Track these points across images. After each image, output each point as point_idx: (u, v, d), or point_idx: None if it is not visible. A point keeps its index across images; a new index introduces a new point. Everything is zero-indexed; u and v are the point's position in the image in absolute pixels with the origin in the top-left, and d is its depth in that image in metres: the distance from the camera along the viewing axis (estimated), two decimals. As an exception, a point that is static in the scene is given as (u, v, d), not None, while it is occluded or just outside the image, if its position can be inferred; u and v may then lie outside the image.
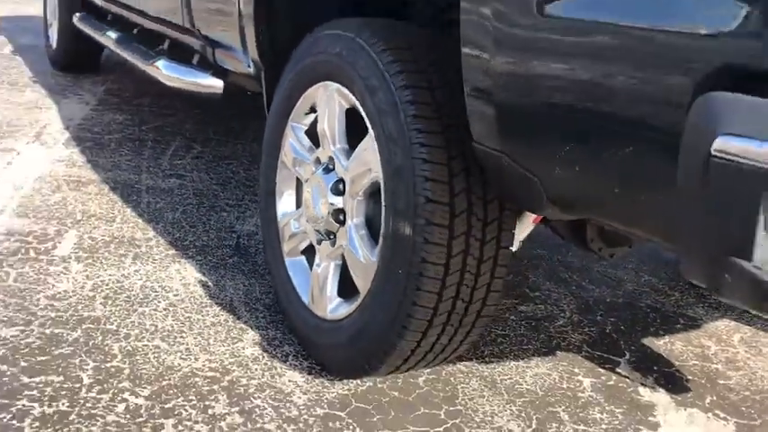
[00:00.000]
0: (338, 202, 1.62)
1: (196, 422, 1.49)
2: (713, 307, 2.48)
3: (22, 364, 1.59)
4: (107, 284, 1.99)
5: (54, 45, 4.52)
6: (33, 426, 1.40)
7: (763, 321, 2.42)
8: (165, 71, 2.58)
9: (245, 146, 3.34)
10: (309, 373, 1.71)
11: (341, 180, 1.61)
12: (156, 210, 2.56)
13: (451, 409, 1.66)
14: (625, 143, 1.00)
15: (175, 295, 1.98)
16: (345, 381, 1.69)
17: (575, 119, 1.08)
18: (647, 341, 2.18)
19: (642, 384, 1.92)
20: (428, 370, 1.79)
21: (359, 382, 1.69)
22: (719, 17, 0.87)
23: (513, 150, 1.19)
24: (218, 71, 2.44)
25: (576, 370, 1.93)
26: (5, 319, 1.76)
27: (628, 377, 1.95)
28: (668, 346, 2.16)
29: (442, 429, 1.58)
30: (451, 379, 1.78)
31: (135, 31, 3.36)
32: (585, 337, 2.12)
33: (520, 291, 2.36)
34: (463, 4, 1.22)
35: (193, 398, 1.56)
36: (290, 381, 1.68)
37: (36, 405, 1.46)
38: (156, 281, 2.05)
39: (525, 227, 1.63)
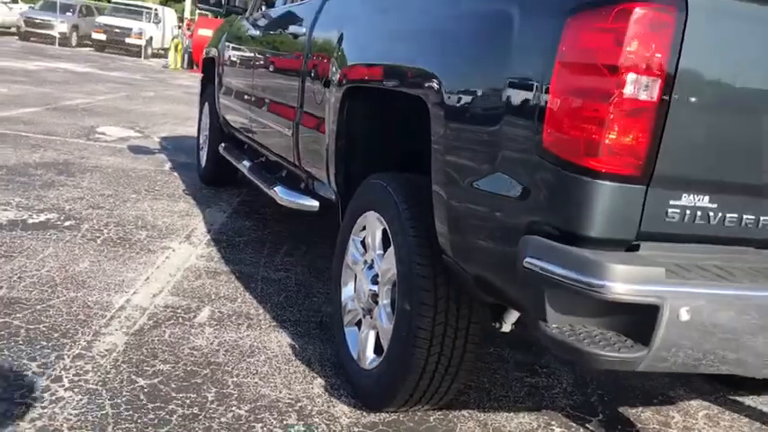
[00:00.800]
0: (375, 289, 2.46)
1: (275, 427, 2.32)
2: (693, 389, 3.07)
3: (172, 385, 2.50)
4: (228, 342, 2.90)
5: (203, 165, 5.76)
6: (177, 419, 2.29)
7: (727, 398, 2.99)
8: (280, 194, 3.55)
9: (339, 248, 4.26)
10: (354, 407, 2.51)
11: (377, 274, 2.46)
12: (267, 294, 3.49)
13: (449, 436, 2.41)
14: (497, 260, 1.80)
15: (272, 352, 2.86)
16: (378, 413, 2.48)
17: (482, 246, 1.89)
18: (622, 409, 2.82)
19: (602, 435, 2.58)
20: (439, 412, 2.54)
21: (387, 414, 2.47)
22: (526, 202, 1.69)
23: (458, 260, 2.01)
24: (316, 195, 3.39)
25: (553, 423, 2.62)
26: (163, 359, 2.69)
27: (593, 431, 2.61)
28: (638, 413, 2.79)
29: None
30: (455, 419, 2.52)
31: (263, 159, 4.44)
32: (571, 402, 2.80)
33: (531, 367, 3.07)
34: (433, 160, 2.07)
35: (275, 414, 2.40)
36: (340, 410, 2.49)
37: (180, 408, 2.35)
38: (261, 342, 2.94)
39: (513, 314, 2.39)
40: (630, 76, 1.51)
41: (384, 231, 2.45)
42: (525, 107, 1.70)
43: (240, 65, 4.75)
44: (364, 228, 2.62)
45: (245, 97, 4.45)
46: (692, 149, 1.59)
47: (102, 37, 25.32)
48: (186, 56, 22.85)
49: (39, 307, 2.98)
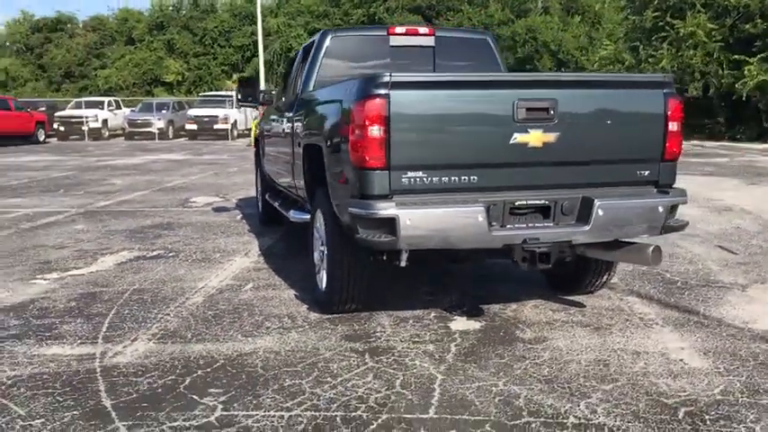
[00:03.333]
0: (323, 249, 4.66)
1: (274, 323, 4.51)
2: (532, 293, 5.06)
3: (226, 313, 4.74)
4: (259, 296, 5.12)
5: (260, 211, 8.16)
6: (227, 322, 4.52)
7: (549, 294, 4.96)
8: (291, 214, 5.81)
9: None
10: (321, 314, 4.67)
11: (322, 242, 4.66)
12: (287, 276, 5.72)
13: (370, 319, 4.53)
14: (347, 213, 3.95)
15: (283, 299, 5.07)
16: (331, 314, 4.62)
17: (344, 209, 4.05)
18: (481, 305, 4.84)
19: (459, 316, 4.62)
20: (365, 312, 4.65)
21: (337, 315, 4.62)
22: (350, 185, 3.87)
23: (342, 217, 4.17)
24: (308, 211, 5.63)
25: (434, 312, 4.69)
26: (222, 304, 4.94)
27: (458, 315, 4.66)
28: (489, 307, 4.81)
29: (362, 323, 4.46)
30: (375, 314, 4.63)
31: (287, 198, 6.74)
32: (451, 305, 4.86)
33: (434, 292, 5.14)
34: (327, 175, 4.28)
35: (277, 318, 4.59)
36: (314, 315, 4.64)
37: (227, 320, 4.59)
38: (278, 296, 5.15)
39: (405, 254, 4.49)
40: (372, 126, 3.68)
41: (324, 218, 4.65)
42: (345, 143, 3.89)
43: (269, 137, 7.14)
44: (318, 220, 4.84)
45: (273, 158, 6.82)
46: (406, 152, 3.73)
47: (194, 127, 28.94)
48: (265, 133, 25.91)
49: (157, 290, 5.33)
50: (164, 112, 30.30)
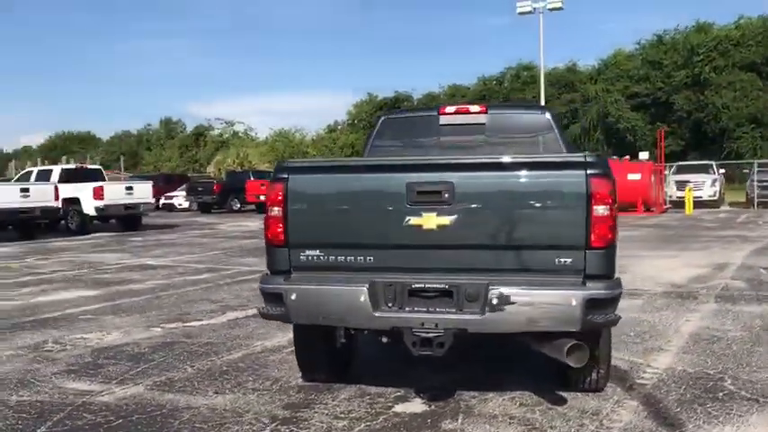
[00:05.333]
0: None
1: (261, 387, 4.91)
2: (518, 382, 4.68)
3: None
4: (282, 361, 5.57)
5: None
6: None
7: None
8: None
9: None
10: (305, 381, 4.96)
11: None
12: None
13: (335, 391, 4.69)
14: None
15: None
16: (311, 382, 4.87)
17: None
18: (461, 391, 4.64)
19: (421, 398, 4.52)
20: (339, 383, 4.80)
21: (315, 384, 4.85)
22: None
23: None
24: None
25: (398, 393, 4.65)
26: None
27: (421, 397, 4.57)
28: (460, 393, 4.60)
29: (322, 393, 4.65)
30: (346, 386, 4.76)
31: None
32: (427, 386, 4.75)
33: (437, 369, 5.04)
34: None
35: (260, 383, 4.99)
36: (299, 381, 4.95)
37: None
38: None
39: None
40: (273, 207, 4.00)
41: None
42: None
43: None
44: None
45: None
46: (303, 232, 3.95)
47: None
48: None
49: (220, 344, 6.07)
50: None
